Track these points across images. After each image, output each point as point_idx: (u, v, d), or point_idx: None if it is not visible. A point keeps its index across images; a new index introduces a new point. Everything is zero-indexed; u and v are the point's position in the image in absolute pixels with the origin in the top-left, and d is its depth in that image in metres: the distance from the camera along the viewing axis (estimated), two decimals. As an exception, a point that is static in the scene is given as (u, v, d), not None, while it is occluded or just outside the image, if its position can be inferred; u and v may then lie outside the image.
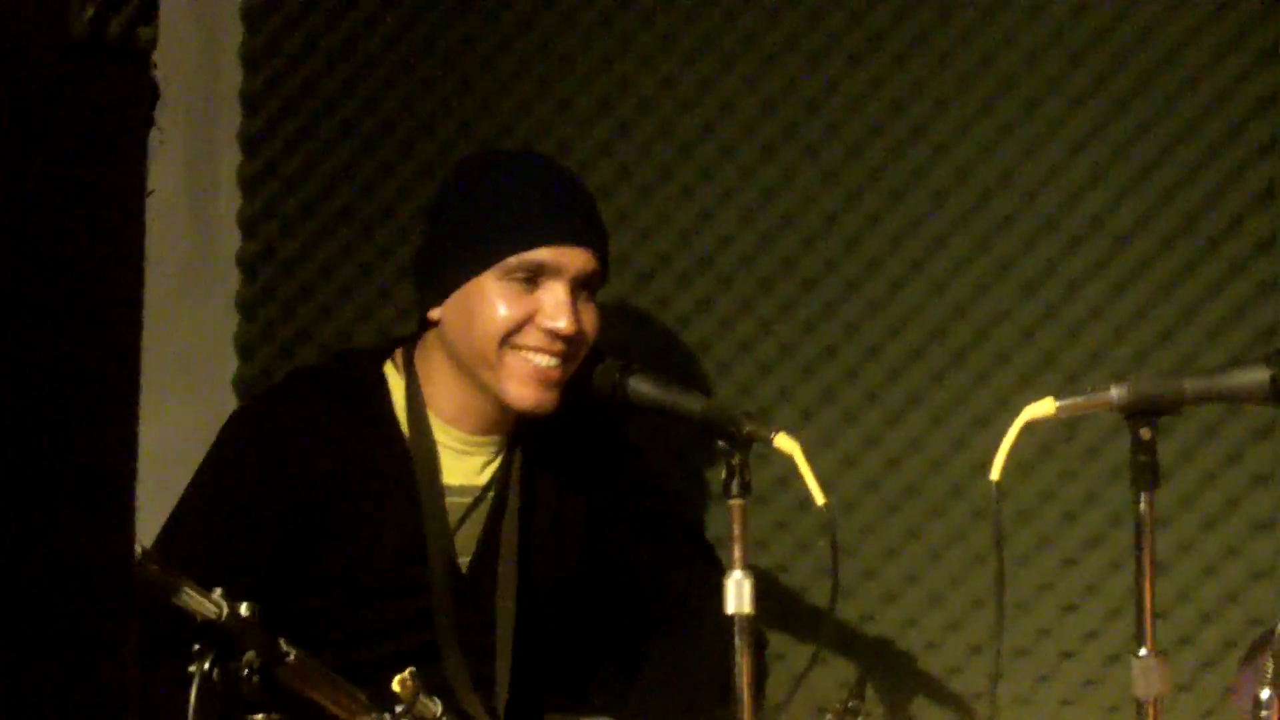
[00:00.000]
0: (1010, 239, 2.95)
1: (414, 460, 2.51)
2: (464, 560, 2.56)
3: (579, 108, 3.13)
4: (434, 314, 2.51)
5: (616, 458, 2.77)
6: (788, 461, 2.28)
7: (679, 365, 3.09)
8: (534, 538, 2.61)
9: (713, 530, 2.96)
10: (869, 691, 2.84)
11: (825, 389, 3.04)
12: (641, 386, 2.38)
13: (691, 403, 2.37)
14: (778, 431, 2.29)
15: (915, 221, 3.00)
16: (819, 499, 2.27)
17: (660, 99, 3.14)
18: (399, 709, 2.08)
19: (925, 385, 3.01)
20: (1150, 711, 2.10)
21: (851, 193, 3.04)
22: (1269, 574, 2.80)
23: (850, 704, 2.68)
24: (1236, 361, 2.48)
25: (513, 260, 2.45)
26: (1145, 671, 2.10)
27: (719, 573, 2.26)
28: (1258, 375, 2.14)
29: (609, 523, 2.73)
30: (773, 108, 3.08)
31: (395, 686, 2.09)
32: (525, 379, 2.46)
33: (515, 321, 2.45)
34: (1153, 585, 2.13)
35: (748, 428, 2.29)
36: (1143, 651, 2.11)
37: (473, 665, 2.52)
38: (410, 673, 2.10)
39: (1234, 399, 2.31)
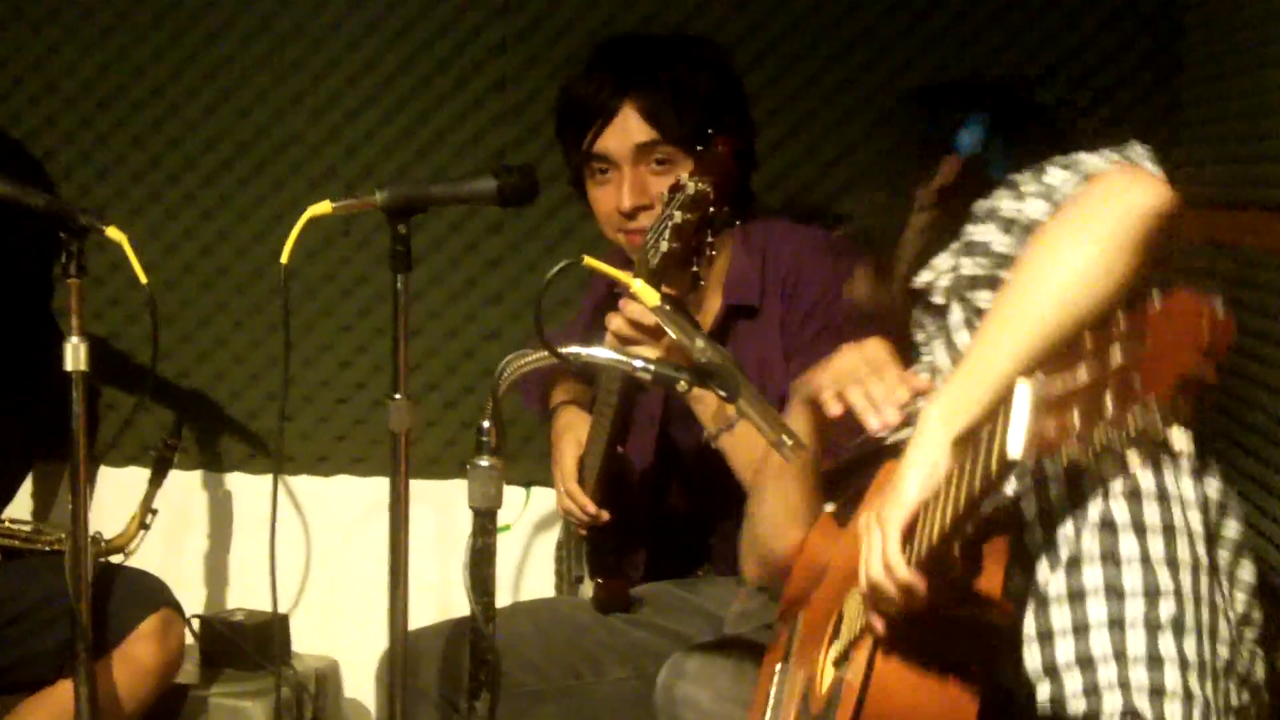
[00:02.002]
0: (300, 79, 3.33)
1: None
2: None
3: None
4: None
5: None
6: (118, 249, 2.44)
7: (31, 167, 3.33)
8: None
9: (56, 303, 3.20)
10: (185, 432, 3.23)
11: (151, 190, 3.39)
12: None
13: (37, 198, 2.55)
14: (109, 224, 2.48)
15: (227, 59, 3.35)
16: (143, 279, 2.44)
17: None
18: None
19: (231, 190, 3.38)
20: (403, 441, 2.30)
21: (173, 32, 3.36)
22: (498, 336, 3.31)
23: (169, 442, 3.09)
24: (473, 173, 2.51)
25: None
26: (398, 411, 2.29)
27: (59, 338, 2.49)
28: (488, 184, 2.32)
29: None
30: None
31: None
32: None
33: None
34: (407, 345, 2.30)
35: (84, 220, 2.48)
36: (397, 396, 2.29)
37: None
38: None
39: (470, 201, 2.47)
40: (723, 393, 2.07)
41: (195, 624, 3.15)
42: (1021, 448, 1.48)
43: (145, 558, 3.02)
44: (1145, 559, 1.86)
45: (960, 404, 1.79)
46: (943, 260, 2.10)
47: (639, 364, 2.12)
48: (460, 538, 2.19)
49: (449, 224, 3.32)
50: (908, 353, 2.21)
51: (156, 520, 3.00)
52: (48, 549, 2.89)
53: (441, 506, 3.26)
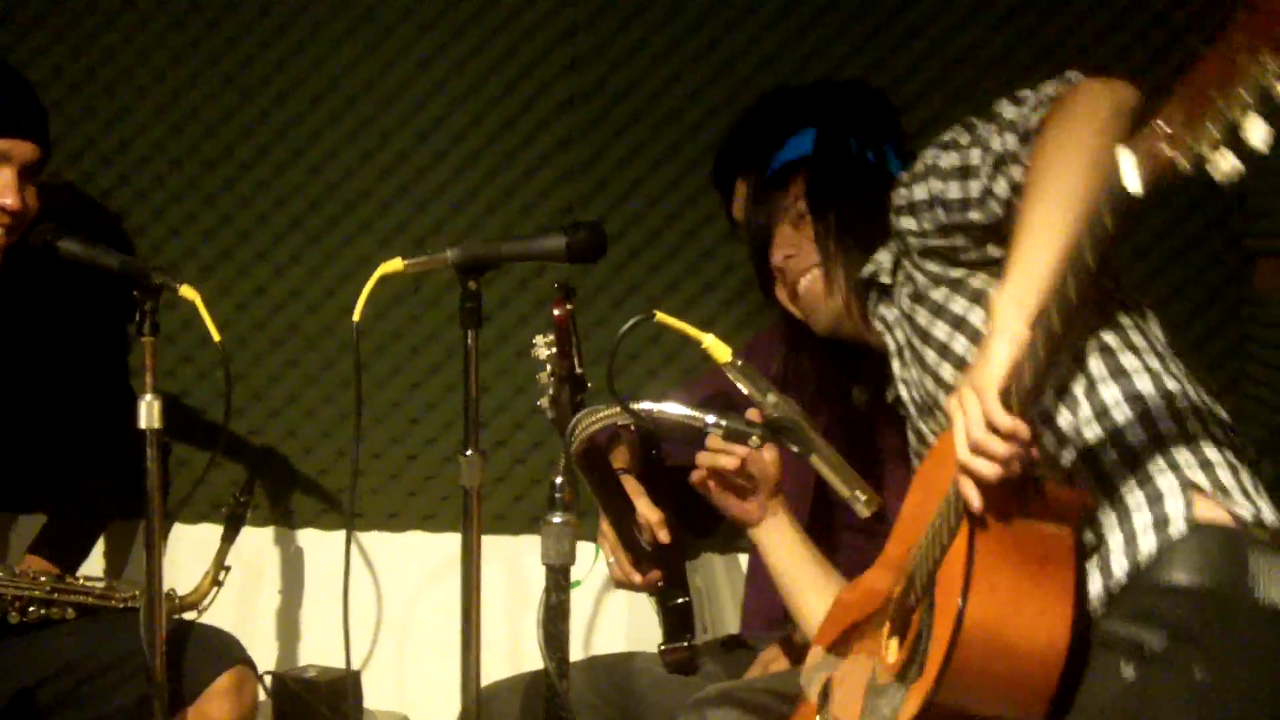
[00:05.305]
0: (369, 138, 3.35)
1: None
2: None
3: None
4: None
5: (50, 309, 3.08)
6: (191, 307, 2.46)
7: (105, 225, 3.37)
8: None
9: (130, 362, 3.25)
10: (257, 488, 3.24)
11: (222, 249, 3.41)
12: (70, 246, 2.60)
13: (111, 259, 2.60)
14: (183, 283, 2.50)
15: (297, 119, 3.37)
16: (216, 336, 2.47)
17: None
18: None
19: (301, 248, 3.40)
20: (474, 497, 2.31)
21: (244, 92, 3.38)
22: (564, 392, 3.38)
23: (242, 498, 3.09)
24: (542, 230, 2.69)
25: None
26: (469, 466, 2.31)
27: (133, 396, 2.52)
28: (557, 241, 2.39)
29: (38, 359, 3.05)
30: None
31: None
32: None
33: None
34: (477, 402, 2.33)
35: (158, 279, 2.51)
36: (469, 451, 2.31)
37: None
38: None
39: (539, 258, 2.49)
40: (795, 448, 2.06)
41: (268, 681, 3.15)
42: (1139, 181, 1.62)
43: (218, 614, 3.03)
44: (1146, 369, 2.08)
45: (1027, 291, 1.91)
46: (880, 254, 2.34)
47: (711, 420, 2.11)
48: (529, 593, 2.20)
49: (517, 281, 3.32)
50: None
51: (229, 577, 3.01)
52: (122, 606, 2.89)
53: (510, 561, 3.24)
